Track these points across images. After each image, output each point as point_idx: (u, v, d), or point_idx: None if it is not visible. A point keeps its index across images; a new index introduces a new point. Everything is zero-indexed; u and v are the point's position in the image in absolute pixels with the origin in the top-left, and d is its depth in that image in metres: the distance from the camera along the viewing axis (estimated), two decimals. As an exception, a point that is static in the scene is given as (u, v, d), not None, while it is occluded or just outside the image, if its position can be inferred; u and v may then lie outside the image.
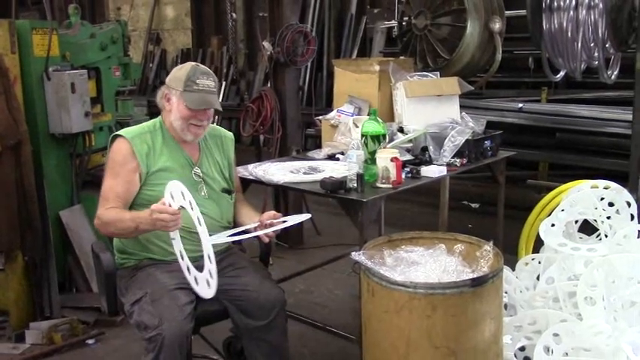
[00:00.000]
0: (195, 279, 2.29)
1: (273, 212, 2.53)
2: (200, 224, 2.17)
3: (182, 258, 2.31)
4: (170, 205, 2.23)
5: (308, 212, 5.06)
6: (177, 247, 2.32)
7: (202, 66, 2.53)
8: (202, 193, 2.52)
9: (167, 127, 2.53)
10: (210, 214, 2.49)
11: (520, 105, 5.13)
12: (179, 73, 2.48)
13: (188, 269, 2.30)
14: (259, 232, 2.43)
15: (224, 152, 2.68)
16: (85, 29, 4.09)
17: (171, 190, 2.25)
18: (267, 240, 2.52)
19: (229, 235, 2.46)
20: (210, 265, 2.17)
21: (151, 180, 2.44)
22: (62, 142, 3.80)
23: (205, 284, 2.24)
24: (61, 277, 3.79)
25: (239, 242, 2.82)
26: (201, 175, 2.55)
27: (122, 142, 2.45)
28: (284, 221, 2.48)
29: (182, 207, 2.23)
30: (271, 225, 2.46)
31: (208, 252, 2.17)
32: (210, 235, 2.22)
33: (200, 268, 2.27)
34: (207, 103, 2.46)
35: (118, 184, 2.40)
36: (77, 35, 4.02)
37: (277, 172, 2.93)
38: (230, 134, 2.75)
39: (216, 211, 2.54)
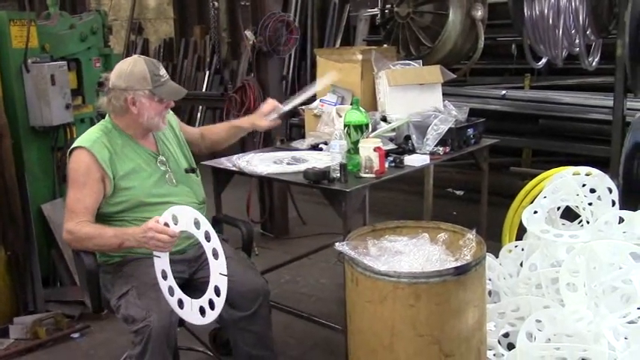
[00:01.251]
0: (181, 302, 2.23)
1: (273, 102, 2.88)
2: (217, 258, 2.09)
3: (164, 278, 2.26)
4: (167, 226, 2.18)
5: (293, 202, 5.10)
6: (161, 266, 2.25)
7: (144, 56, 2.50)
8: (173, 182, 2.52)
9: (122, 128, 2.48)
10: (187, 199, 2.50)
11: (503, 92, 5.13)
12: (137, 72, 2.40)
13: (172, 290, 2.25)
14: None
15: (172, 128, 2.69)
16: (64, 20, 4.03)
17: (177, 213, 2.18)
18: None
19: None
20: (217, 298, 2.11)
21: (121, 184, 2.40)
22: (43, 134, 3.76)
23: (197, 311, 2.18)
24: (45, 271, 3.76)
25: (221, 232, 2.82)
26: (165, 162, 2.54)
27: (82, 152, 2.38)
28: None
29: (182, 231, 2.19)
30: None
31: (217, 283, 2.11)
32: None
33: (188, 288, 2.26)
34: (179, 90, 2.50)
35: (85, 196, 2.35)
36: (56, 26, 3.96)
37: (260, 162, 2.92)
38: (169, 111, 2.69)
39: (189, 194, 2.56)
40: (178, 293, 2.24)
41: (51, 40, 3.83)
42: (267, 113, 2.90)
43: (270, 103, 2.94)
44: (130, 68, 2.41)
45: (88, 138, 2.44)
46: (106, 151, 2.40)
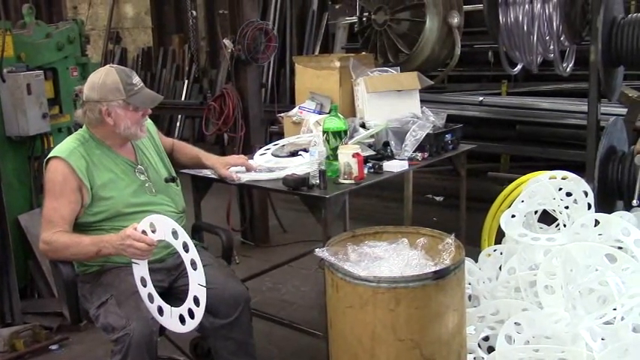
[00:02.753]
0: (161, 309, 2.22)
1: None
2: (195, 268, 2.09)
3: (144, 285, 2.24)
4: (145, 234, 2.17)
5: (274, 210, 5.09)
6: (139, 273, 2.24)
7: (117, 65, 2.48)
8: (152, 191, 2.51)
9: (100, 138, 2.46)
10: (166, 208, 2.50)
11: (480, 98, 5.20)
12: (109, 84, 2.38)
13: (151, 297, 2.24)
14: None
15: (153, 139, 2.68)
16: (40, 29, 4.00)
17: (155, 221, 2.16)
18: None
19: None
20: (197, 308, 2.12)
21: (99, 194, 2.38)
22: (19, 144, 3.72)
23: (177, 319, 2.18)
24: (22, 282, 3.71)
25: (201, 240, 2.81)
26: (144, 171, 2.52)
27: (58, 162, 2.36)
28: None
29: (159, 240, 2.18)
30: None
31: (196, 294, 2.11)
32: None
33: (168, 296, 2.25)
34: (154, 98, 2.47)
35: (62, 206, 2.33)
36: (32, 35, 3.93)
37: (239, 170, 2.91)
38: (148, 119, 2.68)
39: (169, 203, 2.55)
40: (158, 300, 2.23)
41: (27, 50, 3.81)
42: (232, 165, 2.87)
43: (240, 158, 2.94)
44: (103, 79, 2.39)
45: (64, 148, 2.41)
46: (83, 160, 2.38)
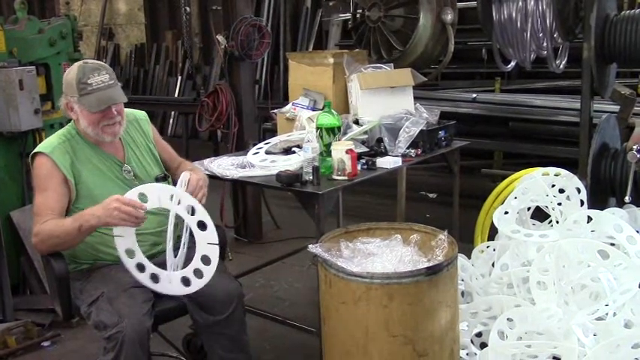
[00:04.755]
0: (155, 276, 2.22)
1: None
2: (204, 229, 2.14)
3: (131, 256, 2.23)
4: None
5: (267, 207, 5.08)
6: (124, 245, 2.22)
7: (92, 61, 2.41)
8: None
9: (82, 134, 2.43)
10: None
11: (474, 95, 5.21)
12: (69, 77, 2.35)
13: (142, 267, 2.23)
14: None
15: (146, 135, 2.62)
16: (32, 24, 3.98)
17: (146, 191, 2.15)
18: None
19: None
20: (206, 266, 2.17)
21: (84, 192, 2.36)
22: (11, 140, 3.70)
23: (178, 283, 2.22)
24: (14, 279, 3.69)
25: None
26: (131, 171, 2.49)
27: (42, 158, 2.34)
28: None
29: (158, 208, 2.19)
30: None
31: (206, 253, 2.16)
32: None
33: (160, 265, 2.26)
34: (107, 100, 2.33)
35: (48, 198, 2.31)
36: (24, 31, 3.90)
37: (232, 166, 2.91)
38: (142, 113, 2.65)
39: None
40: (150, 268, 2.21)
41: (19, 45, 3.78)
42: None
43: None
44: (67, 73, 2.38)
45: (48, 144, 2.39)
46: (67, 156, 2.36)
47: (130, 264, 2.23)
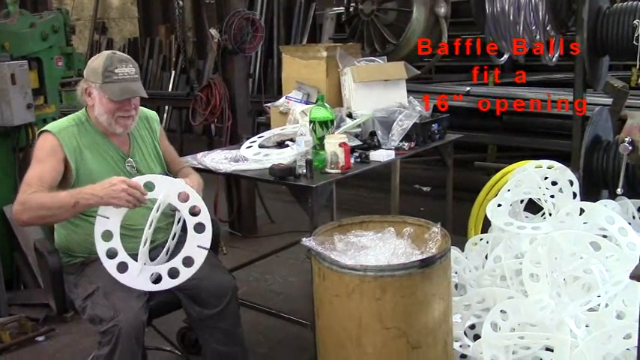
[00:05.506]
0: (124, 265, 2.19)
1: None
2: (201, 232, 2.14)
3: (107, 239, 2.18)
4: None
5: (261, 201, 5.09)
6: (104, 226, 2.17)
7: (120, 53, 2.44)
8: None
9: (93, 122, 2.44)
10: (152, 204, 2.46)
11: (467, 88, 5.21)
12: (95, 64, 2.38)
13: (113, 253, 2.19)
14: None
15: (154, 133, 2.64)
16: (24, 18, 3.96)
17: (155, 181, 2.17)
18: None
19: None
20: (186, 268, 2.17)
21: (82, 179, 2.35)
22: (4, 135, 3.68)
23: (146, 278, 2.22)
24: (8, 274, 3.68)
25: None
26: (134, 165, 2.49)
27: (49, 136, 2.35)
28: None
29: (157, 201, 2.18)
30: None
31: (191, 255, 2.18)
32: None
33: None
34: (130, 92, 2.37)
35: (43, 170, 2.29)
36: (16, 25, 3.88)
37: (225, 160, 2.91)
38: (154, 113, 2.68)
39: None
40: (122, 257, 2.18)
41: (11, 39, 3.76)
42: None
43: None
44: (93, 59, 2.42)
45: (57, 124, 2.42)
46: (74, 140, 2.37)
47: (101, 247, 2.19)
